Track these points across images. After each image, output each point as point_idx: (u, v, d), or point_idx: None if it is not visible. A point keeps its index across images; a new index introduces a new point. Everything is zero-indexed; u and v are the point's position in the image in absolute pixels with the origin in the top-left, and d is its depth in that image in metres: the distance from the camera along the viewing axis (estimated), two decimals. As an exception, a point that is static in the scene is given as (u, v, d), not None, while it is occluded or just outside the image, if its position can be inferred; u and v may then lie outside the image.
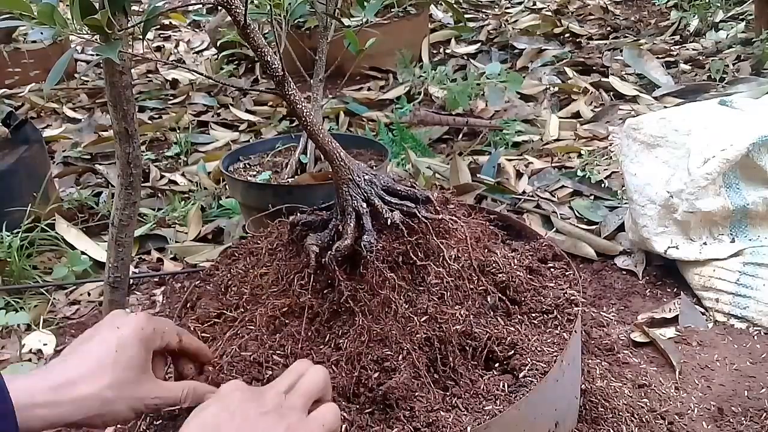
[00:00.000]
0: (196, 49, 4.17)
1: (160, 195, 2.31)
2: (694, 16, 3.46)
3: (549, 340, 0.94)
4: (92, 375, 0.66)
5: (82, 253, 1.89)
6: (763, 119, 1.50)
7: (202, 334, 1.01)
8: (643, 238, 1.59)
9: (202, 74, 1.02)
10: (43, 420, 0.62)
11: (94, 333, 0.73)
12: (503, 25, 3.75)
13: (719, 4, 3.51)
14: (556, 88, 2.85)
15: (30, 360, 1.49)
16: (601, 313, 1.50)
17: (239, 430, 0.62)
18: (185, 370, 0.85)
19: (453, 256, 0.97)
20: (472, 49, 3.51)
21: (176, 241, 1.99)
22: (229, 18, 0.86)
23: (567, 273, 1.10)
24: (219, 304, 1.06)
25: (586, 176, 2.08)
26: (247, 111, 3.03)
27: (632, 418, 1.15)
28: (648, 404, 1.21)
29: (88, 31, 0.79)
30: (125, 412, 0.67)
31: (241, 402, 0.65)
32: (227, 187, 2.15)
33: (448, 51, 3.55)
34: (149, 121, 2.97)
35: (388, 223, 0.93)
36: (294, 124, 2.74)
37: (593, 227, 1.84)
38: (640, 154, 1.62)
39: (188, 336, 0.81)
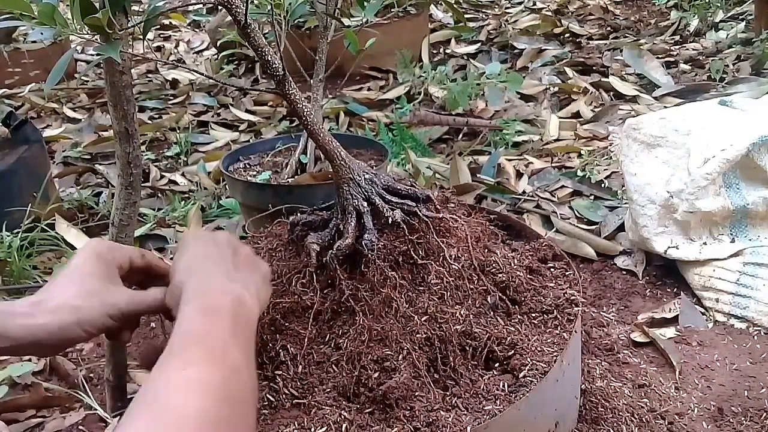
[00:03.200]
0: (196, 49, 4.16)
1: (160, 195, 2.31)
2: (694, 16, 3.46)
3: (549, 340, 0.94)
4: (61, 289, 0.73)
5: (82, 253, 1.89)
6: (763, 119, 1.50)
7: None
8: (643, 238, 1.59)
9: (202, 74, 1.02)
10: (24, 328, 0.69)
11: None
12: (503, 25, 3.75)
13: (719, 4, 3.51)
14: (556, 88, 2.85)
15: (30, 360, 1.49)
16: (601, 313, 1.50)
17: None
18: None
19: (453, 256, 0.97)
20: (472, 49, 3.50)
21: (176, 241, 1.99)
22: (229, 18, 0.86)
23: (567, 273, 1.10)
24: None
25: (586, 176, 2.08)
26: (247, 111, 3.02)
27: (632, 418, 1.15)
28: (648, 404, 1.21)
29: (89, 31, 0.79)
30: (100, 318, 0.72)
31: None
32: (227, 187, 2.15)
33: (448, 51, 3.55)
34: (149, 121, 2.97)
35: (390, 222, 0.93)
36: (294, 124, 2.74)
37: (593, 227, 1.84)
38: (640, 154, 1.61)
39: (152, 254, 0.85)
